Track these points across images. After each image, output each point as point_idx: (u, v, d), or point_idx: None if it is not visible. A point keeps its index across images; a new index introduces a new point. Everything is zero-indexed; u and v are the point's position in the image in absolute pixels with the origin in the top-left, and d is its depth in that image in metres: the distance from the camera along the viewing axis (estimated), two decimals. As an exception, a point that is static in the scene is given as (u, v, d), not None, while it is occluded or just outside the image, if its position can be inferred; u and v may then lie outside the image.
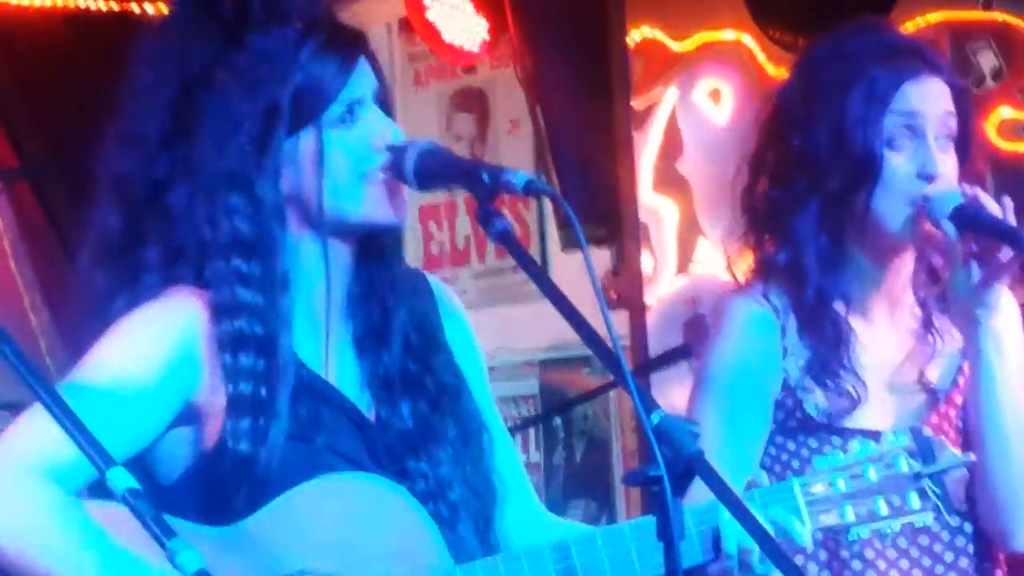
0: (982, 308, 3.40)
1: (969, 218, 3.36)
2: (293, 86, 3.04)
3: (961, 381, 3.57)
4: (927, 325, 3.57)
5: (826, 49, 3.63)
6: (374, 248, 3.12)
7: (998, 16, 5.31)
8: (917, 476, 2.93)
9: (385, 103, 3.13)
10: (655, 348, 5.65)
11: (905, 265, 3.57)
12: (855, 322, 3.52)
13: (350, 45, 3.11)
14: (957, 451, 3.00)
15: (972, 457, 3.10)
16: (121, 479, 2.21)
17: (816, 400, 3.48)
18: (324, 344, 3.10)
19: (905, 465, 2.94)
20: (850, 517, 2.93)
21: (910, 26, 5.44)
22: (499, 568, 2.93)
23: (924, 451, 2.95)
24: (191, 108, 3.04)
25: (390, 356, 3.11)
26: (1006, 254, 3.33)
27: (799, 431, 3.49)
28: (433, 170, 2.98)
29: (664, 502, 2.58)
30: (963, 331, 3.47)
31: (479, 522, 3.08)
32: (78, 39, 6.85)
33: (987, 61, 5.33)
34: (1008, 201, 3.37)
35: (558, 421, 6.23)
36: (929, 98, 3.50)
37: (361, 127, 3.07)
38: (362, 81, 3.09)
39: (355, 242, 3.10)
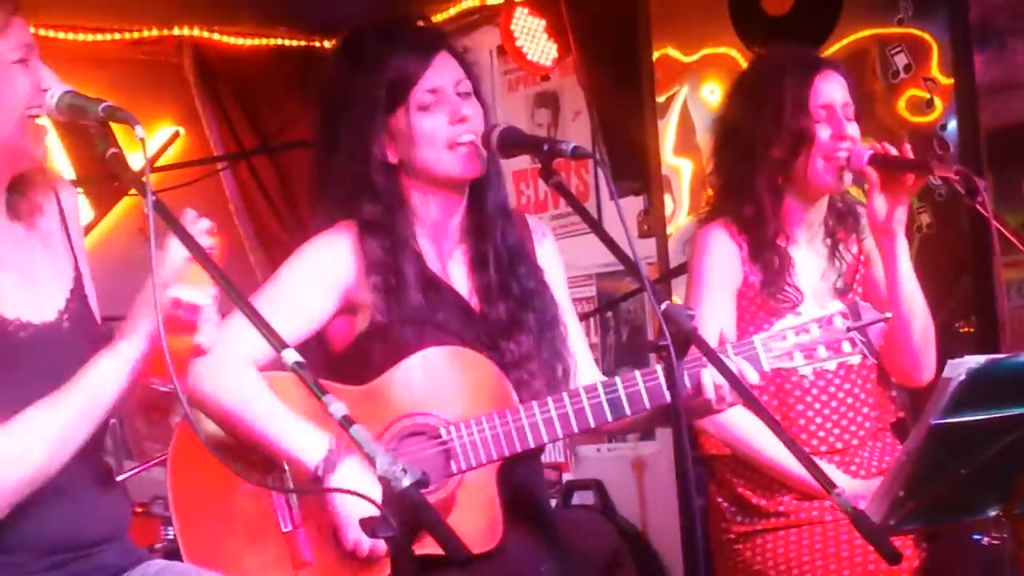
0: (897, 224, 3.40)
1: (882, 160, 3.38)
2: (387, 78, 3.05)
3: (858, 278, 3.56)
4: (834, 250, 3.57)
5: (762, 64, 3.68)
6: (477, 197, 3.13)
7: (908, 30, 5.21)
8: (848, 329, 2.93)
9: (476, 90, 3.10)
10: (673, 263, 5.63)
11: (821, 208, 3.55)
12: (791, 250, 3.52)
13: (428, 44, 3.09)
14: (876, 312, 3.01)
15: (889, 315, 3.09)
16: (291, 356, 2.21)
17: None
18: (444, 259, 3.13)
19: (840, 322, 2.93)
20: (799, 359, 2.93)
21: (849, 39, 5.36)
22: (564, 399, 2.94)
23: (854, 312, 2.96)
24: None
25: (490, 271, 3.12)
26: (909, 179, 3.35)
27: (762, 310, 3.47)
28: (510, 142, 3.00)
29: (670, 361, 2.60)
30: (879, 243, 3.47)
31: (552, 383, 3.06)
32: (278, 66, 6.83)
33: (901, 60, 5.22)
34: (908, 146, 3.41)
35: (609, 314, 6.20)
36: (834, 86, 3.51)
37: (441, 110, 3.05)
38: (441, 73, 3.07)
39: (461, 192, 3.11)
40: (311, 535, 2.89)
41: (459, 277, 3.13)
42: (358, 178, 3.06)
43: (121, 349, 2.44)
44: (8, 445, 2.37)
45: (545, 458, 3.30)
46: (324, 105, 3.14)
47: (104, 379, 2.43)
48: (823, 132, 3.47)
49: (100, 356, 2.45)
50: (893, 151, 3.38)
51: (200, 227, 2.40)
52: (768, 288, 3.47)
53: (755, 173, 3.51)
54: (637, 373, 2.93)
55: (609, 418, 2.92)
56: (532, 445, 2.92)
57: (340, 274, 3.03)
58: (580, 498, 5.83)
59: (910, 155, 3.38)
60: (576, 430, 2.94)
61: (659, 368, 2.89)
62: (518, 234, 3.17)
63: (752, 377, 2.87)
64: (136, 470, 4.29)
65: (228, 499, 2.88)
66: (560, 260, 3.25)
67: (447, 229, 3.12)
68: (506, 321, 3.09)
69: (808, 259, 3.56)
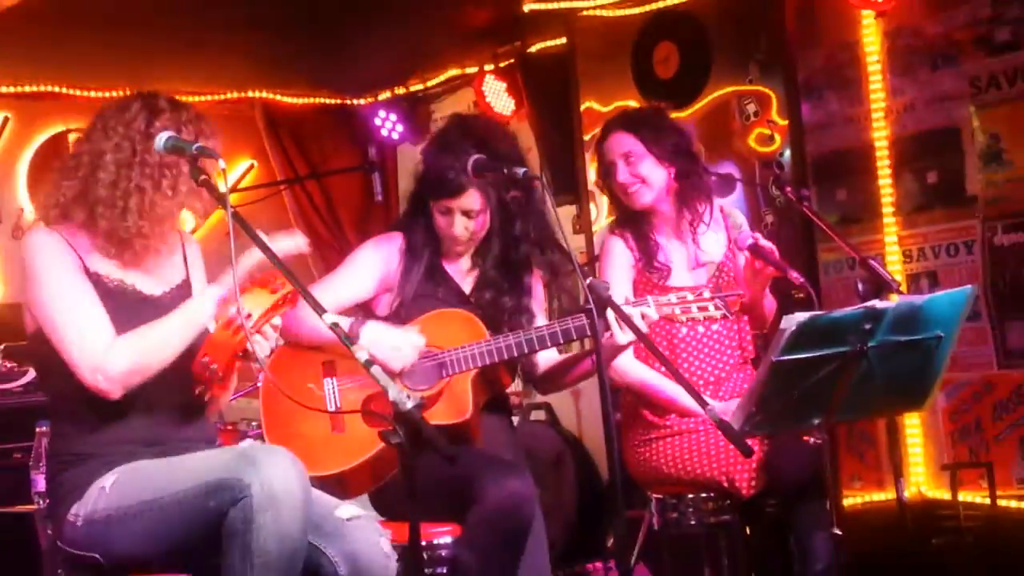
0: (760, 288, 3.36)
1: (757, 250, 3.26)
2: (436, 179, 3.16)
3: (729, 267, 3.45)
4: (695, 242, 3.46)
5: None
6: (488, 246, 3.23)
7: (756, 87, 5.15)
8: (713, 297, 2.98)
9: (491, 205, 3.13)
10: (597, 251, 5.24)
11: (658, 211, 3.43)
12: (659, 239, 3.44)
13: (461, 184, 3.11)
14: (730, 292, 3.09)
15: (741, 292, 3.19)
16: (329, 318, 2.26)
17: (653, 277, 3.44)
18: (460, 268, 3.28)
19: (707, 294, 2.99)
20: (678, 311, 2.97)
21: (716, 94, 5.28)
22: (520, 334, 3.06)
23: (716, 289, 3.13)
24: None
25: (487, 292, 3.23)
26: (770, 269, 3.26)
27: (654, 289, 3.41)
28: (480, 168, 2.99)
29: (592, 318, 2.71)
30: (748, 289, 3.38)
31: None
32: (322, 117, 6.75)
33: (751, 108, 5.16)
34: (776, 248, 3.27)
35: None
36: (614, 145, 3.39)
37: (448, 220, 3.18)
38: (459, 203, 3.14)
39: (464, 252, 3.26)
40: (346, 417, 3.08)
41: (467, 276, 3.27)
42: (415, 215, 3.25)
43: (191, 304, 2.60)
44: (121, 347, 2.53)
45: (512, 389, 3.35)
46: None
47: (183, 318, 2.57)
48: (612, 181, 3.41)
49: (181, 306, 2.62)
50: (768, 246, 3.25)
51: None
52: (646, 265, 3.41)
53: (609, 197, 3.49)
54: (558, 322, 3.06)
55: (548, 344, 3.02)
56: (497, 360, 3.04)
57: (388, 264, 3.21)
58: (535, 415, 5.75)
59: (776, 255, 3.26)
60: (526, 352, 3.05)
61: (570, 320, 2.99)
62: (530, 289, 3.24)
63: (650, 314, 2.91)
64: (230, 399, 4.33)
65: (293, 408, 3.00)
66: (542, 294, 3.30)
67: (459, 261, 3.29)
68: (498, 307, 3.20)
69: (675, 246, 3.47)
